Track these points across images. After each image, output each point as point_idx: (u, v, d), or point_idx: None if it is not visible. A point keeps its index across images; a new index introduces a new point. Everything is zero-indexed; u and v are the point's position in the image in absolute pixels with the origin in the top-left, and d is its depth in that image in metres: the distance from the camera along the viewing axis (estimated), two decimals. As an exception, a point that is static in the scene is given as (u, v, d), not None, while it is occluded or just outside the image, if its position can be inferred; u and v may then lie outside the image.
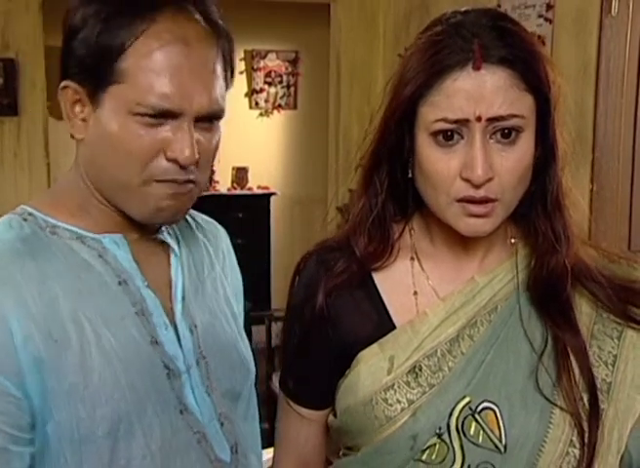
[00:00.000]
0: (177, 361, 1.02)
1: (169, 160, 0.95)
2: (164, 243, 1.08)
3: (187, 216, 1.19)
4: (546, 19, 2.67)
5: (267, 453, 1.22)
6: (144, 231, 1.05)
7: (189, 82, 0.93)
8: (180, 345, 1.04)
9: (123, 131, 0.94)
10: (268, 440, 1.22)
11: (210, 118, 0.98)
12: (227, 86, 1.01)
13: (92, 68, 0.94)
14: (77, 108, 0.98)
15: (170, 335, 1.03)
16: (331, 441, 1.10)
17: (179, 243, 1.10)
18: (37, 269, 0.95)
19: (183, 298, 1.07)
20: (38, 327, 0.91)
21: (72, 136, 1.01)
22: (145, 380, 0.98)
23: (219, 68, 0.98)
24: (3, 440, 0.88)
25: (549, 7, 2.67)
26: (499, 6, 2.86)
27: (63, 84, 0.97)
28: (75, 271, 0.98)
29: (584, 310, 1.00)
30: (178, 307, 1.05)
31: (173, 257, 1.08)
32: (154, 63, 0.92)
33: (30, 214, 1.00)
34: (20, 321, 0.90)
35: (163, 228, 1.08)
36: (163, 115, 0.93)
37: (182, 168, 0.95)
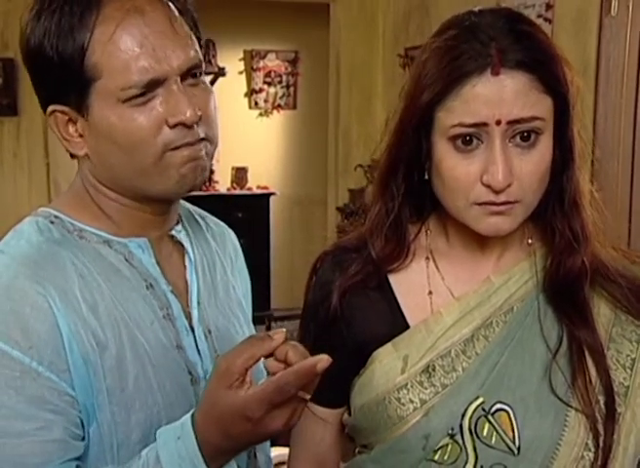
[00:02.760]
0: (196, 366, 1.02)
1: (173, 126, 0.94)
2: (178, 243, 1.07)
3: (198, 217, 1.18)
4: (546, 19, 2.67)
5: (273, 452, 1.22)
6: (164, 229, 1.05)
7: (159, 45, 0.93)
8: (198, 350, 1.04)
9: (120, 122, 0.93)
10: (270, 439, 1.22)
11: (192, 73, 0.97)
12: (197, 38, 1.00)
13: (67, 81, 0.93)
14: (70, 128, 0.97)
15: (190, 341, 1.03)
16: (345, 442, 1.10)
17: (192, 245, 1.10)
18: (76, 272, 0.94)
19: (199, 303, 1.06)
20: (83, 327, 0.91)
21: (74, 156, 1.00)
22: (174, 385, 0.98)
23: (180, 24, 0.97)
24: (63, 433, 0.89)
25: (549, 7, 2.67)
26: (498, 5, 2.86)
27: (50, 110, 0.96)
28: (106, 275, 0.97)
29: (603, 312, 0.99)
30: (194, 312, 1.05)
31: (187, 260, 1.08)
32: (119, 44, 0.92)
33: (56, 216, 0.99)
34: (68, 320, 0.90)
35: (179, 227, 1.08)
36: (150, 88, 0.93)
37: (190, 128, 0.94)
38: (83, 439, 0.92)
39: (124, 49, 0.92)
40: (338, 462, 1.12)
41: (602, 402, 0.94)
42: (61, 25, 0.92)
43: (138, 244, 1.01)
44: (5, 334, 0.87)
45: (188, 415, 0.87)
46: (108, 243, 0.99)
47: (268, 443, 1.19)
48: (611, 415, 0.94)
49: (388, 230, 1.03)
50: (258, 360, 0.84)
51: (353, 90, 4.15)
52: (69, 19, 0.92)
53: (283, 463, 1.79)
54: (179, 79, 0.94)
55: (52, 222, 0.98)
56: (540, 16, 2.69)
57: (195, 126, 0.94)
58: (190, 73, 0.96)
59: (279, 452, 1.90)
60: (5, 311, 0.88)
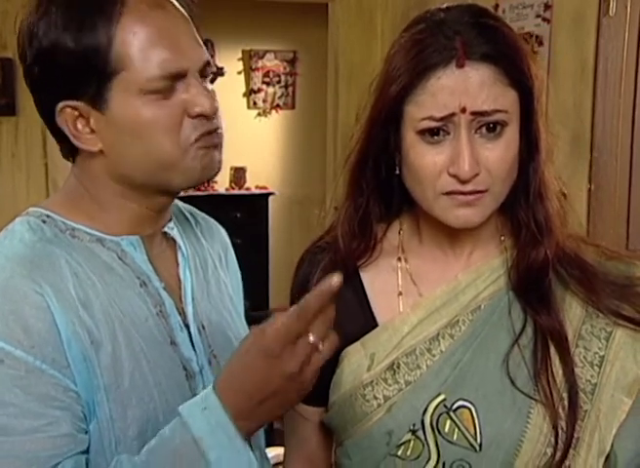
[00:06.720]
0: (191, 362, 1.03)
1: (195, 117, 0.96)
2: (171, 240, 1.08)
3: (187, 214, 1.19)
4: (544, 20, 2.67)
5: (271, 452, 1.23)
6: (158, 226, 1.05)
7: (180, 40, 0.95)
8: (193, 346, 1.04)
9: (143, 114, 0.94)
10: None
11: (207, 70, 0.99)
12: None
13: (86, 74, 0.93)
14: (79, 125, 0.96)
15: (184, 336, 1.04)
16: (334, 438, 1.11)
17: (184, 241, 1.10)
18: (70, 270, 0.94)
19: (193, 299, 1.07)
20: (79, 325, 0.92)
21: (68, 157, 1.01)
22: (170, 381, 0.99)
23: (191, 22, 1.00)
24: (71, 428, 0.90)
25: (547, 7, 2.67)
26: (496, 5, 2.86)
27: (60, 106, 0.95)
28: (100, 273, 0.97)
29: (574, 309, 1.00)
30: (189, 308, 1.06)
31: (180, 257, 1.08)
32: (144, 37, 0.93)
33: (48, 216, 0.99)
34: (65, 319, 0.90)
35: (172, 224, 1.08)
36: (172, 80, 0.94)
37: (209, 119, 0.97)
38: (86, 432, 0.93)
39: (148, 42, 0.93)
40: (329, 458, 1.13)
41: (566, 398, 0.94)
42: (83, 18, 0.92)
43: (130, 242, 1.02)
44: (7, 334, 0.88)
45: (210, 387, 0.87)
46: (101, 241, 1.00)
47: (263, 438, 1.19)
48: (573, 412, 0.94)
49: (357, 226, 1.04)
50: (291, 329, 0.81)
51: (352, 89, 4.14)
52: (91, 12, 0.92)
53: (282, 463, 1.79)
54: (197, 73, 0.97)
55: (44, 221, 0.99)
56: (538, 16, 2.69)
57: (213, 116, 0.98)
58: (203, 71, 0.99)
59: (278, 452, 1.91)
60: (4, 311, 0.88)
